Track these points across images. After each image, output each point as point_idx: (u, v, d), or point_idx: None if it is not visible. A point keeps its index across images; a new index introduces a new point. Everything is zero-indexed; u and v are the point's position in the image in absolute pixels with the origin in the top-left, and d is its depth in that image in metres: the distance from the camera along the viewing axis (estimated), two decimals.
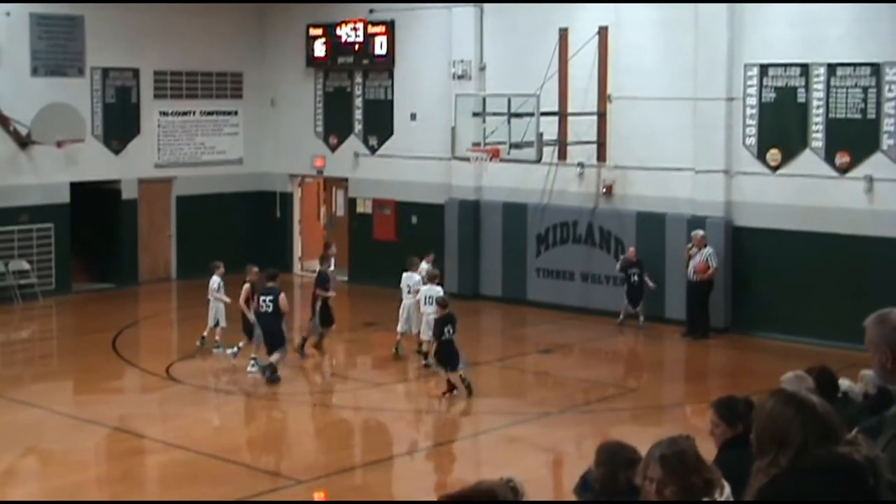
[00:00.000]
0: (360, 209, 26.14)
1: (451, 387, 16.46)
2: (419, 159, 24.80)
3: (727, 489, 4.82)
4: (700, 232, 20.28)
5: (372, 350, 19.95)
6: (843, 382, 8.34)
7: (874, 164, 19.29)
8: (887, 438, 4.99)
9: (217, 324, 18.99)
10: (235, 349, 18.16)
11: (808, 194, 19.92)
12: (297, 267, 27.56)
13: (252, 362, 17.79)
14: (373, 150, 25.85)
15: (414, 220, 25.16)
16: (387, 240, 24.98)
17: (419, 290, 18.04)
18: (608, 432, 15.09)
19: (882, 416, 5.23)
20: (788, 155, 20.18)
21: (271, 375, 17.08)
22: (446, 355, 16.45)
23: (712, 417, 6.19)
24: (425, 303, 17.73)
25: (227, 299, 18.84)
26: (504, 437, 15.12)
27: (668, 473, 4.43)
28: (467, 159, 21.20)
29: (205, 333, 19.17)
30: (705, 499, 4.52)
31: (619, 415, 16.03)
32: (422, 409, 16.76)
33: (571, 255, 22.54)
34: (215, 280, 19.03)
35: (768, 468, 3.92)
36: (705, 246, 20.18)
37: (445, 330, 16.43)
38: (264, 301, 17.37)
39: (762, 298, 20.49)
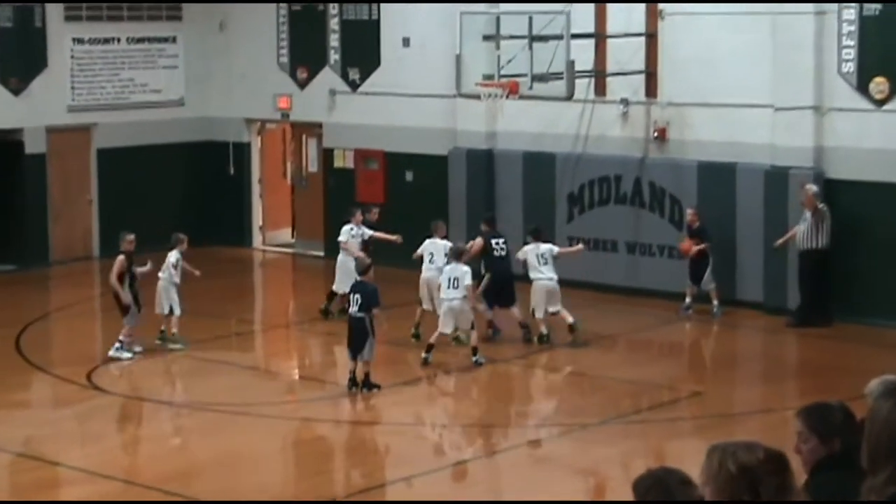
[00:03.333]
0: (338, 163, 26.14)
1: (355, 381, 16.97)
2: (414, 97, 24.75)
3: None
4: (812, 187, 20.17)
5: None
6: None
7: None
8: None
9: (171, 311, 19.24)
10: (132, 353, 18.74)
11: None
12: (257, 239, 27.56)
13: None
14: (354, 86, 25.81)
15: (409, 176, 25.17)
16: (374, 202, 24.97)
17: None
18: (664, 449, 15.14)
19: None
20: None
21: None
22: (351, 337, 17.00)
23: (799, 430, 6.15)
24: (448, 286, 18.12)
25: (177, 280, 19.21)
26: (529, 457, 15.17)
27: (723, 485, 4.48)
28: (477, 97, 21.20)
29: (163, 327, 19.40)
30: None
31: (678, 426, 16.07)
32: (424, 419, 16.79)
33: (614, 219, 22.53)
34: (174, 255, 19.19)
35: (885, 487, 3.89)
36: (816, 209, 20.05)
37: (353, 298, 16.95)
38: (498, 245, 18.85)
39: (862, 272, 20.46)
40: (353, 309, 16.97)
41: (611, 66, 22.26)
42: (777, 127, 21.02)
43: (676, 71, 21.89)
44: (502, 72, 20.49)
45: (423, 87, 24.60)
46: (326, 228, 25.78)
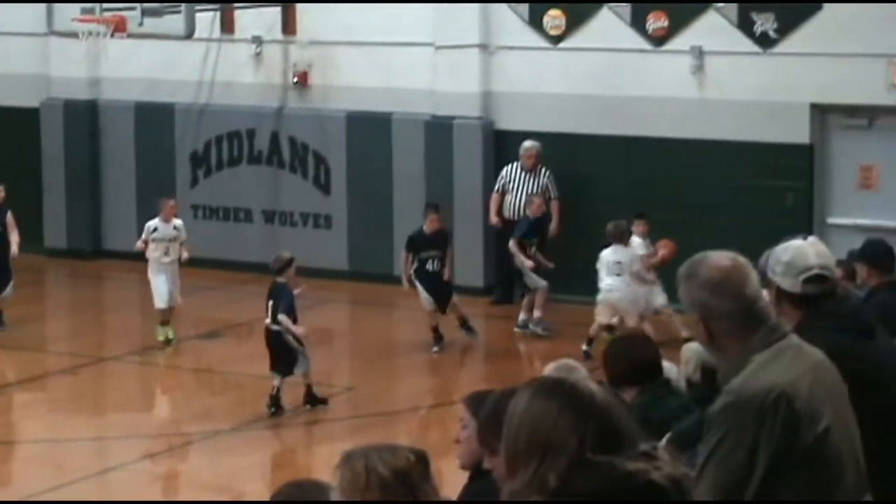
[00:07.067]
0: None
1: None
2: None
3: None
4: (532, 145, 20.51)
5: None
6: (665, 365, 8.84)
7: None
8: (709, 448, 5.32)
9: None
10: None
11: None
12: None
13: None
14: None
15: None
16: None
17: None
18: (310, 456, 15.41)
19: (706, 416, 5.57)
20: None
21: None
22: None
23: (463, 419, 6.40)
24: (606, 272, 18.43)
25: None
26: (148, 475, 15.22)
27: (378, 493, 4.71)
28: (76, 35, 20.96)
29: None
30: None
31: (328, 429, 16.36)
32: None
33: (247, 182, 22.76)
34: None
35: (527, 489, 4.10)
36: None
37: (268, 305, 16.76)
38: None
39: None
40: (268, 320, 16.65)
41: None
42: (438, 70, 21.50)
43: (319, 3, 22.08)
44: (105, 5, 20.34)
45: (5, 24, 24.14)
46: None
